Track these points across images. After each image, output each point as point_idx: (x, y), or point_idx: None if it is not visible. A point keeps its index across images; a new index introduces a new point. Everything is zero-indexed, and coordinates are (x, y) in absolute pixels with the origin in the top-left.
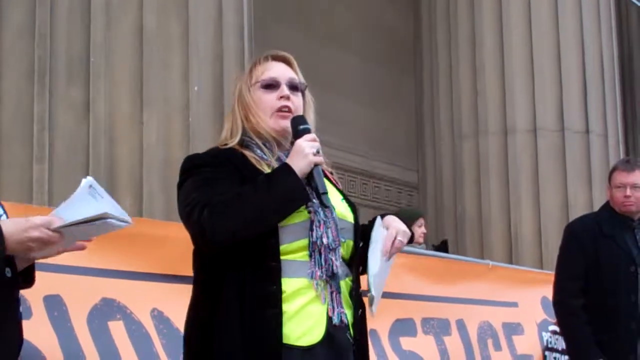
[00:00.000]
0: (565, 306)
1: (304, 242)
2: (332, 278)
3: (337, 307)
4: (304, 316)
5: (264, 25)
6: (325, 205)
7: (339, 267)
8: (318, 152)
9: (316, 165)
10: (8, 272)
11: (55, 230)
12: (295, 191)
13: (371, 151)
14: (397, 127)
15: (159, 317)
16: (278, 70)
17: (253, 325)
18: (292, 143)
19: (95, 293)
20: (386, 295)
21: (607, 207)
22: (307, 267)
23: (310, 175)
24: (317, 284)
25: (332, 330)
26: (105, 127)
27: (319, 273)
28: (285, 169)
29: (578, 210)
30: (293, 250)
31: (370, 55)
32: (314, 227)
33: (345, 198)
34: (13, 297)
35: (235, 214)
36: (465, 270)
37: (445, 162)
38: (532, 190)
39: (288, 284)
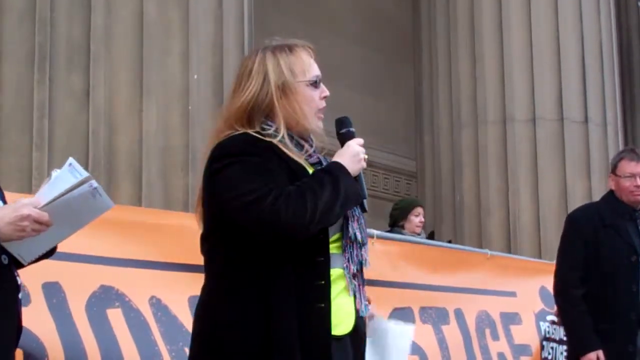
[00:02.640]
0: (566, 296)
1: (336, 235)
2: (360, 271)
3: (364, 300)
4: (338, 307)
5: (264, 13)
6: (364, 210)
7: (367, 261)
8: (365, 157)
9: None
10: (5, 259)
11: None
12: (355, 191)
13: (369, 139)
14: (395, 115)
15: (157, 305)
16: (317, 67)
17: (304, 319)
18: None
19: (93, 280)
20: (385, 284)
21: (609, 196)
22: (339, 259)
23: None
24: (349, 277)
25: (358, 323)
26: (104, 115)
27: (352, 267)
28: (342, 169)
29: (576, 199)
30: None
31: (370, 43)
32: (349, 223)
33: None
34: (11, 284)
35: (311, 207)
36: (463, 260)
37: (443, 150)
38: (530, 179)
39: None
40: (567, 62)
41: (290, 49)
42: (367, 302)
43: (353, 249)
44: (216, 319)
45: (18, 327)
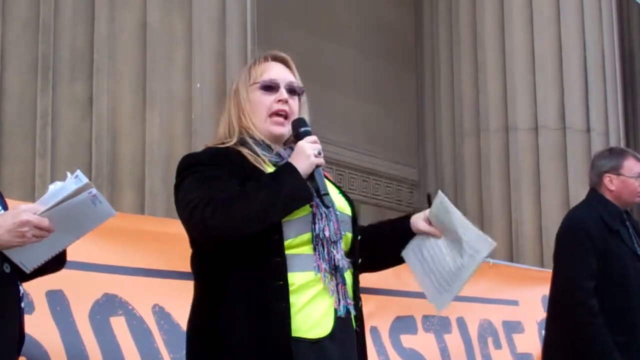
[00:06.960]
0: (586, 307)
1: (307, 235)
2: (336, 270)
3: (343, 299)
4: (312, 309)
5: (266, 21)
6: (326, 206)
7: (341, 259)
8: (319, 153)
9: (317, 166)
10: (7, 268)
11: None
12: (300, 190)
13: (372, 148)
14: (398, 124)
15: (160, 313)
16: (278, 72)
17: (261, 320)
18: (292, 144)
19: (97, 289)
20: (387, 292)
21: (601, 199)
22: (312, 260)
23: (311, 176)
24: (324, 276)
25: (338, 323)
26: (108, 123)
27: (323, 265)
28: (289, 169)
29: None
30: (297, 245)
31: (372, 51)
32: (316, 221)
33: (342, 192)
34: (13, 293)
35: (239, 211)
36: None
37: (446, 159)
38: (533, 188)
39: (295, 278)
40: (570, 71)
41: (262, 59)
42: (348, 302)
43: (323, 247)
44: (189, 326)
45: (21, 336)
